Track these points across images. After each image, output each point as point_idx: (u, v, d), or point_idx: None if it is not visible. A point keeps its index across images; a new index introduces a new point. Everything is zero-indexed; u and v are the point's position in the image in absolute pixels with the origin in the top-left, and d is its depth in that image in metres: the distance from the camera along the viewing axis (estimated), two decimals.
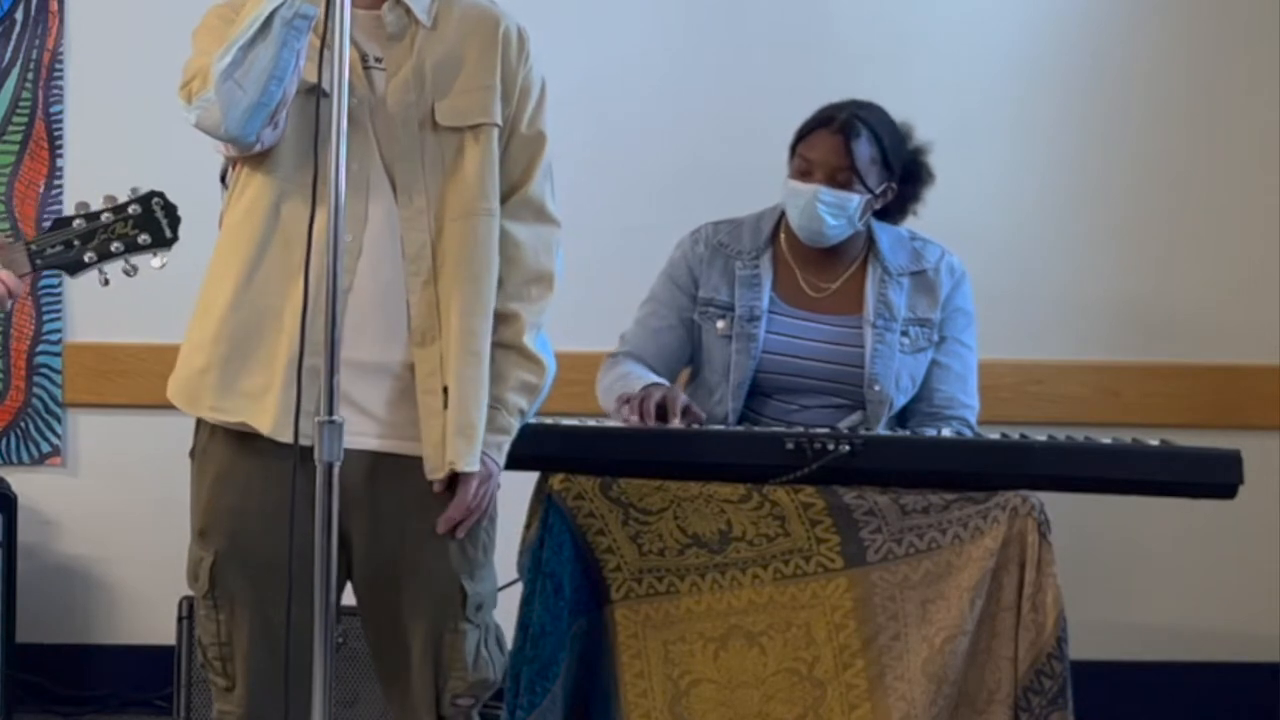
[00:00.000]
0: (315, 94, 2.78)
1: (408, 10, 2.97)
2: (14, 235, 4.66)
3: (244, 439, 2.94)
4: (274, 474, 2.84)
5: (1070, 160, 4.83)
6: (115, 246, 2.88)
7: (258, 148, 2.90)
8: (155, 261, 2.90)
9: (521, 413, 3.04)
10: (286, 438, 2.82)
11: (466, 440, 2.93)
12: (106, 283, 2.91)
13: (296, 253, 2.81)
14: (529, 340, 3.03)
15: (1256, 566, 4.82)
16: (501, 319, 3.01)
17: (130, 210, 2.89)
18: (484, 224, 2.98)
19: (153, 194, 2.90)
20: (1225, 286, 4.83)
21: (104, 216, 2.88)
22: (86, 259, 2.88)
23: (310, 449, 2.72)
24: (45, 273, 2.91)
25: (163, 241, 2.89)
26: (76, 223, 2.89)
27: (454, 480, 2.96)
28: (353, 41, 2.91)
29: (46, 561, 4.70)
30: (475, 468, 2.95)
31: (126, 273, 2.91)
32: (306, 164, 2.82)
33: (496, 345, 3.00)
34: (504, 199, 3.02)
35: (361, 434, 2.92)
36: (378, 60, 2.97)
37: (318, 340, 2.75)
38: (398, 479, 2.96)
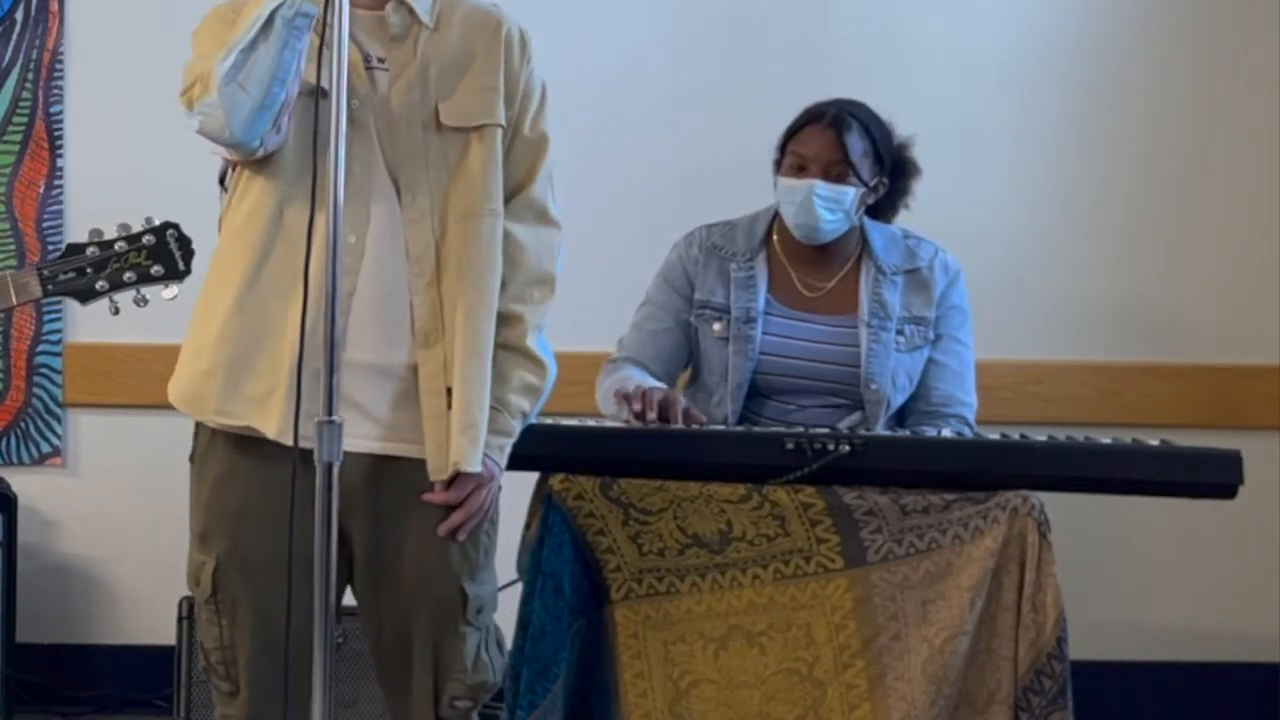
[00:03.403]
0: (316, 96, 2.77)
1: (411, 11, 2.96)
2: (14, 237, 4.66)
3: (245, 442, 2.93)
4: (276, 476, 2.83)
5: (1070, 160, 4.82)
6: (128, 276, 2.89)
7: (260, 152, 2.88)
8: (167, 293, 2.90)
9: (524, 415, 3.04)
10: (291, 441, 2.81)
11: (470, 440, 2.92)
12: (117, 312, 2.91)
13: (300, 256, 2.79)
14: (531, 342, 3.02)
15: (1256, 566, 4.82)
16: (504, 320, 3.00)
17: (144, 240, 2.89)
18: (488, 224, 2.97)
19: (167, 225, 2.91)
20: (1225, 286, 4.83)
21: (117, 245, 2.89)
22: (98, 287, 2.88)
23: (311, 451, 2.71)
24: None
25: (175, 274, 2.90)
26: (90, 250, 2.89)
27: (455, 482, 2.95)
28: (355, 42, 2.90)
29: (46, 561, 4.70)
30: (479, 468, 2.94)
31: (137, 303, 2.91)
32: (309, 167, 2.81)
33: (499, 347, 2.99)
34: (506, 201, 3.01)
35: (363, 436, 2.92)
36: (380, 61, 2.95)
37: (320, 343, 2.75)
38: (399, 481, 2.95)
